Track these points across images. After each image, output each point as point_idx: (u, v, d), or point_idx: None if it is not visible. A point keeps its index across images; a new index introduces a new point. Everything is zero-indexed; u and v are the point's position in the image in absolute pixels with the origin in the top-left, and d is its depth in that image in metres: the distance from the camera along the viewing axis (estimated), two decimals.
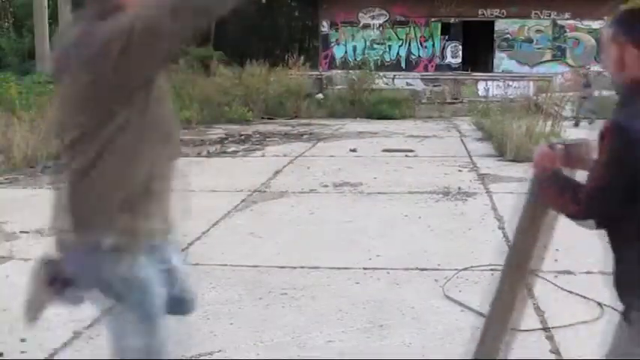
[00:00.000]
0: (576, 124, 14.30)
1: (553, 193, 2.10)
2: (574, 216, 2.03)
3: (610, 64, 1.96)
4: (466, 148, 11.04)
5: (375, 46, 21.78)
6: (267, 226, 6.04)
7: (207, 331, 3.74)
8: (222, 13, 1.94)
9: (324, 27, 21.81)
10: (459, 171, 8.89)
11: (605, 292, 4.28)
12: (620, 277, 2.04)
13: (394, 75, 20.18)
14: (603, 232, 2.06)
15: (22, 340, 3.62)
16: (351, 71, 18.61)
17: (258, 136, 12.83)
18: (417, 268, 4.81)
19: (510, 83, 19.52)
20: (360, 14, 21.68)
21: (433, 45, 21.76)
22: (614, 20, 1.97)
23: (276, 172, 8.72)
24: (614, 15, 1.98)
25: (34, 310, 2.35)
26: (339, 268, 4.81)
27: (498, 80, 19.79)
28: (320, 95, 18.64)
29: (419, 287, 4.44)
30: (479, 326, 3.83)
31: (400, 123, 15.53)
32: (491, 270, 4.77)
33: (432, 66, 21.74)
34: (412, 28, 21.76)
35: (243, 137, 12.60)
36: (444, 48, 21.77)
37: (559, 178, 2.08)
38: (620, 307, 3.86)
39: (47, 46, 23.48)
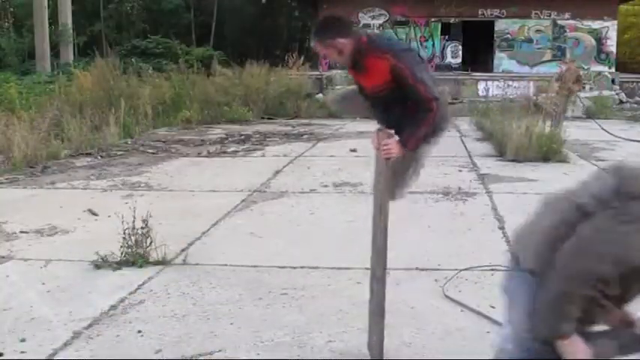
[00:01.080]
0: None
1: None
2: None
3: None
4: (466, 148, 11.04)
5: None
6: (267, 226, 6.04)
7: (207, 331, 3.74)
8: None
9: None
10: (459, 171, 8.89)
11: None
12: None
13: None
14: None
15: (22, 340, 3.62)
16: None
17: (258, 136, 12.83)
18: (417, 268, 4.81)
19: (510, 83, 19.51)
20: (360, 14, 21.67)
21: (433, 45, 21.76)
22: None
23: (276, 172, 8.72)
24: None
25: None
26: (339, 268, 4.81)
27: (498, 80, 19.78)
28: (320, 95, 18.64)
29: (419, 287, 4.44)
30: (479, 326, 3.85)
31: None
32: (492, 270, 4.77)
33: (432, 66, 21.72)
34: (412, 28, 21.76)
35: (243, 137, 12.59)
36: (444, 48, 21.77)
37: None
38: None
39: (47, 46, 23.49)
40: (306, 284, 4.50)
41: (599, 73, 20.06)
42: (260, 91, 16.53)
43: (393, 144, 3.15)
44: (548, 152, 9.40)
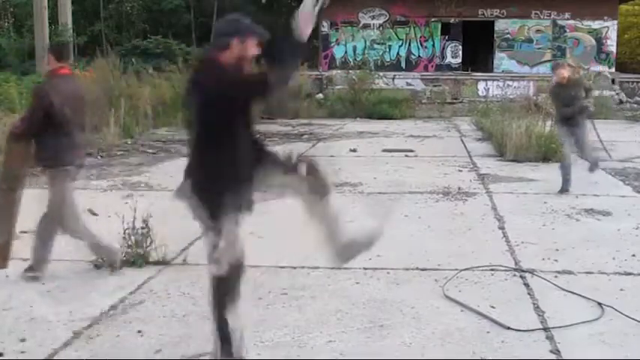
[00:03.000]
0: None
1: None
2: None
3: None
4: (466, 148, 11.04)
5: (375, 46, 21.77)
6: (267, 226, 6.03)
7: (208, 331, 3.74)
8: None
9: (324, 27, 21.80)
10: (459, 171, 8.90)
11: (605, 292, 4.30)
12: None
13: (394, 75, 20.18)
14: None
15: (22, 340, 3.62)
16: (351, 71, 18.60)
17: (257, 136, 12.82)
18: (417, 268, 4.81)
19: (510, 83, 19.53)
20: (360, 14, 21.67)
21: (433, 45, 21.75)
22: None
23: None
24: None
25: None
26: (339, 268, 4.80)
27: (498, 80, 19.79)
28: (320, 95, 18.64)
29: (419, 287, 4.44)
30: (479, 326, 3.85)
31: (400, 123, 15.53)
32: (492, 270, 4.77)
33: (432, 66, 21.73)
34: (412, 28, 21.76)
35: None
36: (444, 48, 21.76)
37: None
38: (620, 307, 3.84)
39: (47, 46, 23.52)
40: (305, 284, 4.50)
41: (599, 73, 20.05)
42: None
43: None
44: (548, 152, 9.40)
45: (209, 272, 3.13)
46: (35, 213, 6.03)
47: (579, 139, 7.43)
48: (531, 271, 4.70)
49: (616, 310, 3.96)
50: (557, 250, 5.27)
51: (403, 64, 21.75)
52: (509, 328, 3.74)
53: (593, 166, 7.70)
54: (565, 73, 7.41)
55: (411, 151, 10.71)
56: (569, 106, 7.32)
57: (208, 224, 3.04)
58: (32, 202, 7.29)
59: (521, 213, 6.51)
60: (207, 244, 3.11)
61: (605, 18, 20.91)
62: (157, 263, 4.85)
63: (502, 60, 21.38)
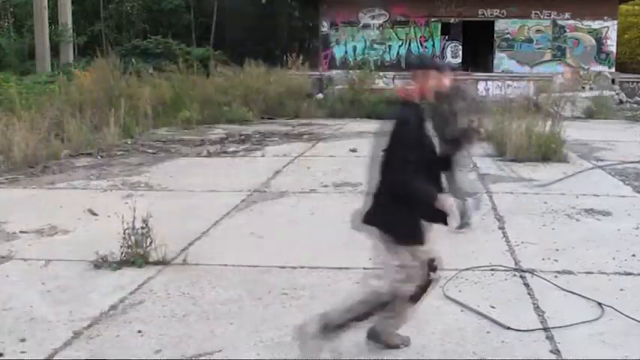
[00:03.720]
0: None
1: None
2: None
3: None
4: None
5: (375, 46, 21.74)
6: (267, 226, 6.04)
7: (208, 331, 3.74)
8: None
9: (324, 27, 21.78)
10: (459, 171, 8.88)
11: (605, 292, 4.30)
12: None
13: (394, 75, 20.15)
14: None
15: (22, 340, 3.62)
16: (351, 71, 18.59)
17: (258, 136, 12.82)
18: None
19: (510, 83, 19.50)
20: (360, 14, 21.65)
21: (433, 45, 21.73)
22: None
23: (276, 172, 8.72)
24: None
25: None
26: (339, 268, 4.81)
27: (498, 80, 19.77)
28: (320, 95, 18.62)
29: None
30: (479, 326, 3.85)
31: None
32: (492, 270, 4.77)
33: None
34: (412, 28, 21.73)
35: (243, 137, 12.59)
36: (444, 48, 21.74)
37: None
38: (620, 307, 3.85)
39: (47, 46, 23.48)
40: (306, 284, 4.50)
41: (599, 73, 20.04)
42: (260, 91, 16.51)
43: None
44: (548, 152, 9.39)
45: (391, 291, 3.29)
46: (34, 213, 6.05)
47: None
48: (531, 271, 4.70)
49: (616, 310, 3.96)
50: (557, 250, 5.27)
51: (403, 64, 21.74)
52: (509, 328, 3.74)
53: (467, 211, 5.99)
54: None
55: None
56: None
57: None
58: (30, 202, 7.30)
59: (521, 213, 6.50)
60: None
61: (605, 18, 20.88)
62: (157, 263, 4.85)
63: (502, 60, 21.36)
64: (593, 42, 21.05)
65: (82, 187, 7.90)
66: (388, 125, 3.25)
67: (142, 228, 4.86)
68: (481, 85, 19.61)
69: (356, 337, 3.62)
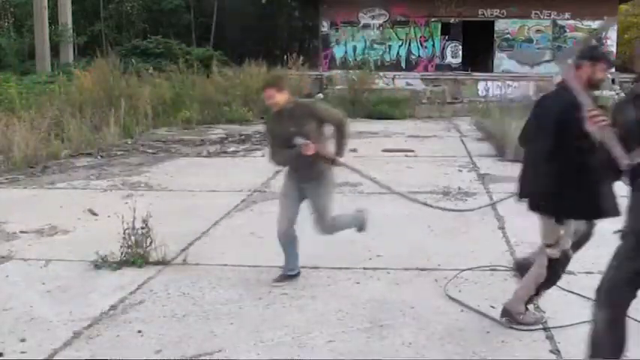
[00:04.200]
0: None
1: None
2: None
3: None
4: (466, 148, 11.03)
5: (375, 46, 21.75)
6: (267, 226, 6.02)
7: (208, 331, 3.74)
8: None
9: (324, 27, 21.78)
10: (459, 171, 8.89)
11: None
12: None
13: (394, 75, 20.15)
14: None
15: (22, 340, 3.62)
16: (351, 71, 18.59)
17: (258, 136, 12.82)
18: (417, 268, 4.81)
19: (510, 83, 19.50)
20: (360, 14, 21.65)
21: (433, 45, 21.74)
22: None
23: (277, 172, 8.70)
24: None
25: None
26: (339, 268, 4.82)
27: (498, 80, 19.77)
28: (320, 95, 18.62)
29: (419, 287, 4.44)
30: (479, 326, 3.85)
31: (400, 123, 15.51)
32: (491, 270, 4.77)
33: (432, 66, 21.71)
34: (412, 28, 21.73)
35: (243, 137, 12.59)
36: (444, 48, 21.75)
37: None
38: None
39: (47, 46, 23.49)
40: (305, 284, 4.50)
41: None
42: (260, 91, 16.49)
43: None
44: None
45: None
46: (34, 213, 6.04)
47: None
48: None
49: None
50: None
51: (403, 64, 21.75)
52: (509, 328, 3.74)
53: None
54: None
55: (411, 151, 10.71)
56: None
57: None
58: (30, 202, 7.30)
59: (521, 213, 6.49)
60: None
61: (605, 18, 20.89)
62: (157, 263, 4.85)
63: (502, 60, 21.37)
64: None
65: (82, 187, 7.91)
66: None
67: (142, 228, 4.86)
68: (481, 85, 19.62)
69: (356, 336, 3.62)
